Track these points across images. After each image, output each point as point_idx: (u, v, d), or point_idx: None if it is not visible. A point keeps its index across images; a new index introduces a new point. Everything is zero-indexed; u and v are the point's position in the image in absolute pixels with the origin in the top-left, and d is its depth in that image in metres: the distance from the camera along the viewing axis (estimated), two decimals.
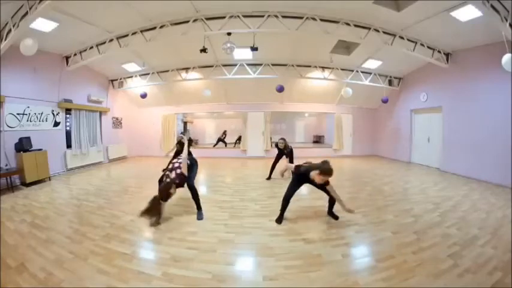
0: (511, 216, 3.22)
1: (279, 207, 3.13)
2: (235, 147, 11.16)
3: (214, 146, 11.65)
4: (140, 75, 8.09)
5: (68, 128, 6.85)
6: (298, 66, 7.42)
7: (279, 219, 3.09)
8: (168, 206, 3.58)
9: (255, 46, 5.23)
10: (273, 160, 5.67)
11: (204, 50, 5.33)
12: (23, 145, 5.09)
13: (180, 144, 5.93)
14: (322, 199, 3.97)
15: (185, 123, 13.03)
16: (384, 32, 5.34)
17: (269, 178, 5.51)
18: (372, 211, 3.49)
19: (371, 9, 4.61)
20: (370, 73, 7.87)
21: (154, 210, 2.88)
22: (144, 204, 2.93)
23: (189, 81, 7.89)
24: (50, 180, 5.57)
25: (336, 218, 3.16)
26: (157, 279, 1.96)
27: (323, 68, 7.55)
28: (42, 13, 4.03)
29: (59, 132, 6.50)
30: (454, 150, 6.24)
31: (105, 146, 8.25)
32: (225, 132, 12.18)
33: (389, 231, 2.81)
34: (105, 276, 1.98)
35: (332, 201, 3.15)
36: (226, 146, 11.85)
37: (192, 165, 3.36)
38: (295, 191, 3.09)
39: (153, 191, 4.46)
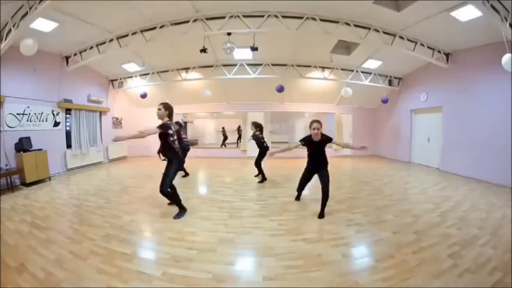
0: (511, 216, 3.22)
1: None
2: (238, 146, 11.27)
3: (221, 145, 11.93)
4: (140, 75, 8.10)
5: (68, 128, 6.85)
6: (298, 66, 7.42)
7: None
8: (167, 206, 3.60)
9: (255, 46, 5.24)
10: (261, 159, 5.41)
11: (204, 50, 5.33)
12: (23, 145, 5.09)
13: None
14: None
15: (185, 123, 13.12)
16: (384, 32, 5.34)
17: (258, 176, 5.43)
18: (372, 211, 3.48)
19: (371, 9, 4.61)
20: (370, 73, 7.87)
21: None
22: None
23: (189, 81, 7.90)
24: (50, 180, 5.57)
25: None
26: (157, 279, 1.96)
27: (323, 68, 7.55)
28: (42, 13, 4.03)
29: (59, 132, 6.50)
30: (454, 150, 6.24)
31: (105, 146, 8.26)
32: (223, 129, 12.35)
33: (390, 231, 2.81)
34: (105, 276, 1.97)
35: (325, 200, 3.25)
36: (225, 146, 11.92)
37: (171, 161, 3.18)
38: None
39: (153, 191, 4.49)
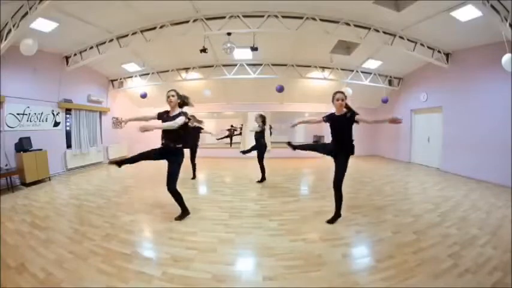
0: (511, 216, 3.22)
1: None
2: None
3: (218, 139, 11.81)
4: (140, 75, 8.09)
5: (68, 128, 6.85)
6: (298, 66, 7.41)
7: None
8: (167, 206, 3.60)
9: (255, 46, 5.23)
10: (260, 159, 5.23)
11: (204, 50, 5.34)
12: (23, 145, 5.09)
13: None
14: (322, 199, 3.97)
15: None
16: (384, 32, 5.34)
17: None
18: (372, 211, 3.49)
19: (371, 9, 4.61)
20: (370, 73, 7.86)
21: None
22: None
23: (189, 81, 7.89)
24: (50, 180, 5.56)
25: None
26: (157, 279, 1.96)
27: (323, 68, 7.54)
28: (42, 13, 4.03)
29: (59, 132, 6.50)
30: (454, 150, 6.23)
31: (105, 146, 8.26)
32: (232, 126, 12.32)
33: (389, 231, 2.81)
34: (105, 276, 1.97)
35: (335, 198, 2.99)
36: (231, 145, 11.92)
37: (177, 156, 2.97)
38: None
39: (153, 191, 4.49)
